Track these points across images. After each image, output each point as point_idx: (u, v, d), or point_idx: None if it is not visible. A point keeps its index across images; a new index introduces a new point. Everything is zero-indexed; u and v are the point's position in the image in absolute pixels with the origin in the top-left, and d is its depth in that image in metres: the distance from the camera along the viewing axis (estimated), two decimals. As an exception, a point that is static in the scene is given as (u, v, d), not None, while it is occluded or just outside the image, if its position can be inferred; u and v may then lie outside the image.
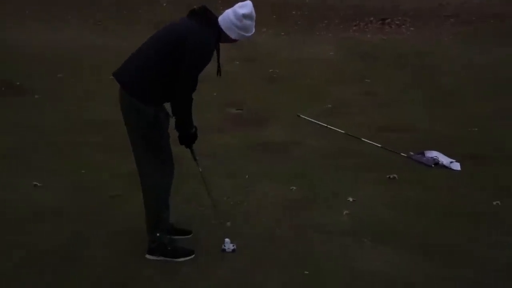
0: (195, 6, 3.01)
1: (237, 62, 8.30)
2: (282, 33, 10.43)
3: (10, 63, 7.72)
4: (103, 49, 8.74)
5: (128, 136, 3.08)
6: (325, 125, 5.69)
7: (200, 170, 3.28)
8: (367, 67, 8.38)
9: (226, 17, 2.97)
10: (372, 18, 11.09)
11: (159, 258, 3.25)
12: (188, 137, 3.09)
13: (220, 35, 2.99)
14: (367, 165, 4.78)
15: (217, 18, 3.00)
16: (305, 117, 5.98)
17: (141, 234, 3.32)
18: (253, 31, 3.05)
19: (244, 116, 6.20)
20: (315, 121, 5.86)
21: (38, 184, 4.19)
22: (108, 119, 5.33)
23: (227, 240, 3.37)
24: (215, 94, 6.69)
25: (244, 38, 3.03)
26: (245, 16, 2.95)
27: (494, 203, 4.02)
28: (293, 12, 11.51)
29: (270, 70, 8.15)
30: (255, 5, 2.99)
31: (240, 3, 3.00)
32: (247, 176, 4.49)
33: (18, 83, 6.95)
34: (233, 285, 3.07)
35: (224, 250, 3.35)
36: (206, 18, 2.96)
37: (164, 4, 11.53)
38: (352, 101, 6.74)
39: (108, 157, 4.77)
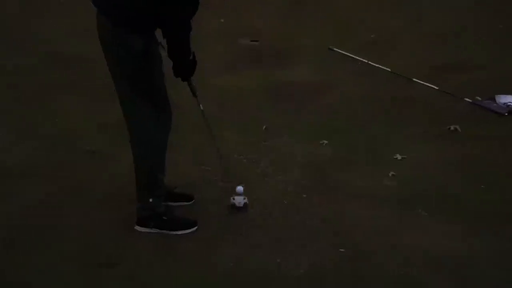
0: None
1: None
2: None
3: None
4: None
5: (111, 76, 3.08)
6: (366, 61, 5.66)
7: (202, 108, 3.28)
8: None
9: None
10: None
11: (152, 231, 3.29)
12: (184, 66, 3.08)
13: None
14: (420, 114, 4.79)
15: None
16: (340, 51, 5.95)
17: (130, 199, 3.35)
18: None
19: (261, 50, 6.17)
20: (353, 56, 5.83)
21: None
22: (87, 55, 5.32)
23: (239, 188, 3.42)
24: (222, 20, 6.67)
25: None
26: None
27: None
28: None
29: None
30: None
31: None
32: (264, 128, 4.52)
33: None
34: (244, 267, 3.09)
35: (234, 205, 3.40)
36: None
37: None
38: (400, 32, 6.64)
39: (87, 103, 4.81)
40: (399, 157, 4.10)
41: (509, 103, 4.83)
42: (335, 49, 6.01)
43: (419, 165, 4.04)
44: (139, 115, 3.13)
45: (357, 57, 5.81)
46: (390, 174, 3.90)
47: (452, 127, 4.51)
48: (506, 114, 4.74)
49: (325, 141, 4.31)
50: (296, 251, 3.19)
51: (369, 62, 5.65)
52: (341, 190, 3.73)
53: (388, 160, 4.09)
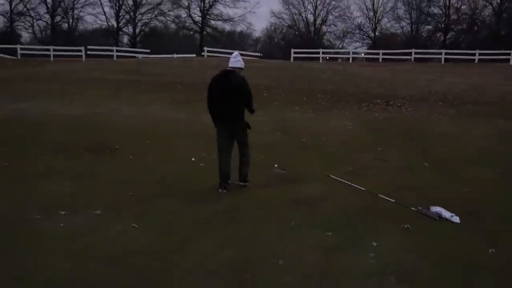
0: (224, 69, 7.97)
1: (278, 133, 12.33)
2: (311, 111, 15.77)
3: (108, 132, 11.73)
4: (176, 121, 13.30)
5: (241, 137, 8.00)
6: (349, 182, 8.00)
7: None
8: (378, 138, 11.82)
9: (233, 61, 8.03)
10: (379, 100, 17.90)
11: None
12: (253, 108, 7.93)
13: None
14: (384, 217, 6.40)
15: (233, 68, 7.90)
16: (334, 177, 8.49)
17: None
18: (241, 63, 8.05)
19: (286, 174, 8.80)
20: (341, 180, 8.23)
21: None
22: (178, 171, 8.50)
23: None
24: (263, 157, 9.80)
25: (239, 64, 7.99)
26: (234, 56, 8.01)
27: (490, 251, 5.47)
28: (319, 95, 18.86)
29: (303, 140, 11.79)
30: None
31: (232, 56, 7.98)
32: (292, 224, 6.29)
33: (117, 147, 10.50)
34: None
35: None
36: (233, 70, 7.89)
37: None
38: (369, 166, 9.36)
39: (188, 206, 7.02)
40: (374, 244, 5.54)
41: (438, 211, 6.63)
42: (331, 175, 8.43)
43: (389, 250, 5.43)
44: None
45: (343, 180, 8.18)
46: (370, 255, 5.22)
47: (405, 226, 6.12)
48: (437, 218, 6.42)
49: (329, 233, 5.93)
50: None
51: (351, 183, 7.94)
52: (338, 268, 4.69)
53: (368, 246, 5.54)
